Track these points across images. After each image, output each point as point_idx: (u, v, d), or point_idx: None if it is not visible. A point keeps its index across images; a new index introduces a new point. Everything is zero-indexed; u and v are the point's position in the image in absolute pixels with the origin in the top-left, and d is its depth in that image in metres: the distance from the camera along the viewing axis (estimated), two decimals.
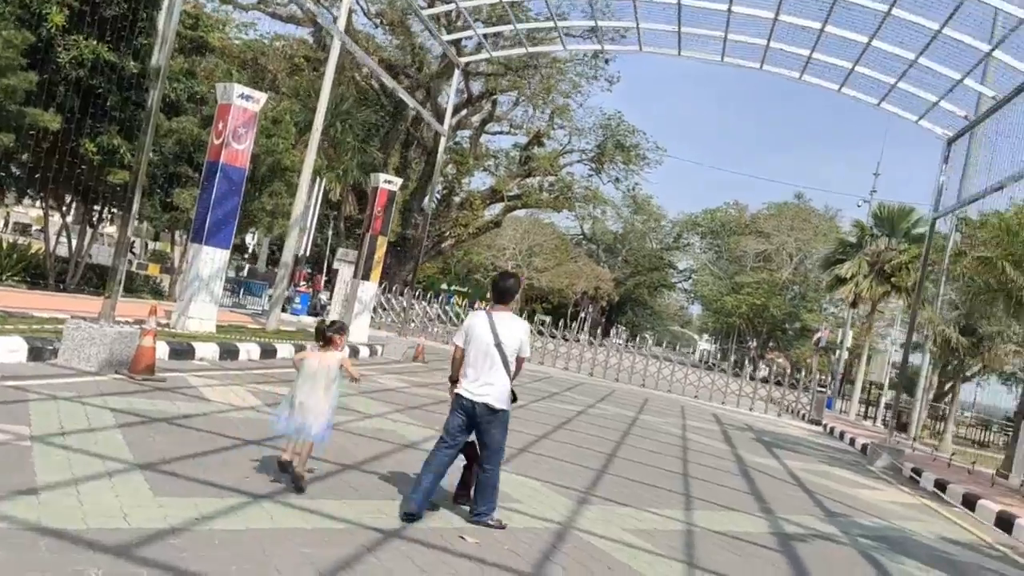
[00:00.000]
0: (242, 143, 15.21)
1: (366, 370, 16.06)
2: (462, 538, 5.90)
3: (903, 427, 32.36)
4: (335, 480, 6.86)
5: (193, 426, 7.72)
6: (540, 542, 6.20)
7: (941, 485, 15.30)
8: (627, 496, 8.71)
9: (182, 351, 12.24)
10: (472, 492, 6.52)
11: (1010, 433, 37.90)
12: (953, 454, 21.07)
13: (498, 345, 6.31)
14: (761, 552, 7.49)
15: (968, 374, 38.17)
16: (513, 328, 6.39)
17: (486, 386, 6.27)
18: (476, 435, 6.47)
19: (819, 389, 28.08)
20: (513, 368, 6.37)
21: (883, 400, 35.39)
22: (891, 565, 8.11)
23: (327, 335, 6.52)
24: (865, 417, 34.66)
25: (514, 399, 6.49)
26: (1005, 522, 12.29)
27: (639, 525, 7.47)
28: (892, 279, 33.35)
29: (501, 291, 6.55)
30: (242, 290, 29.83)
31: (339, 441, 8.29)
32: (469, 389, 6.28)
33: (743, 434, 19.49)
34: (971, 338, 25.71)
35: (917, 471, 16.98)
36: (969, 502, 13.76)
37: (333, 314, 28.43)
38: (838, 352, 43.25)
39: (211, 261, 15.00)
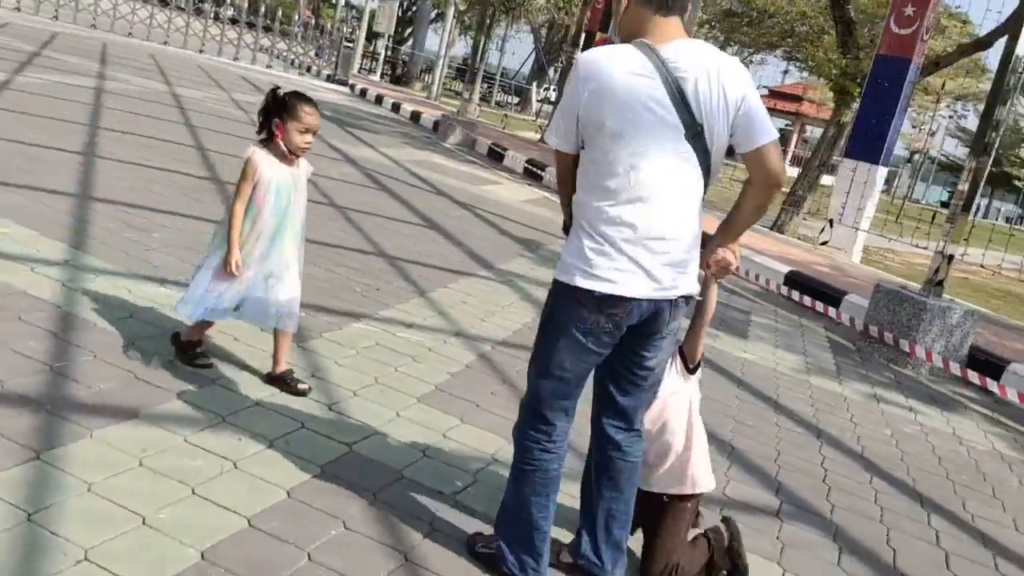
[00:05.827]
0: None
1: None
2: None
3: (398, 79, 31.16)
4: None
5: None
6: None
7: (537, 165, 13.94)
8: (357, 302, 5.10)
9: None
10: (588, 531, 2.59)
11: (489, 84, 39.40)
12: (504, 123, 20.13)
13: (696, 133, 2.23)
14: None
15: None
16: (724, 79, 2.24)
17: (666, 249, 2.28)
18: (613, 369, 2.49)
19: (347, 44, 24.68)
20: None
21: (385, 53, 33.29)
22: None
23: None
24: (370, 72, 32.44)
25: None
26: None
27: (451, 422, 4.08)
28: None
29: None
30: None
31: None
32: (627, 268, 2.26)
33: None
34: None
35: (499, 147, 15.47)
36: None
37: None
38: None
39: None
